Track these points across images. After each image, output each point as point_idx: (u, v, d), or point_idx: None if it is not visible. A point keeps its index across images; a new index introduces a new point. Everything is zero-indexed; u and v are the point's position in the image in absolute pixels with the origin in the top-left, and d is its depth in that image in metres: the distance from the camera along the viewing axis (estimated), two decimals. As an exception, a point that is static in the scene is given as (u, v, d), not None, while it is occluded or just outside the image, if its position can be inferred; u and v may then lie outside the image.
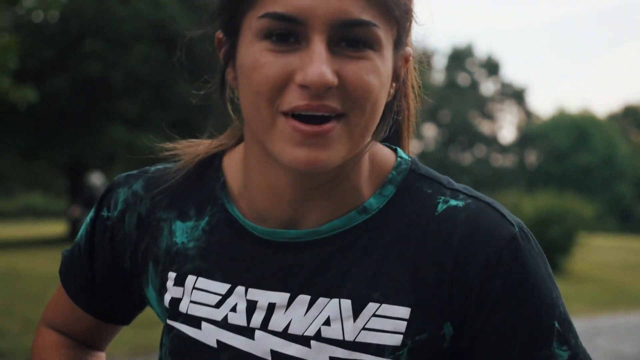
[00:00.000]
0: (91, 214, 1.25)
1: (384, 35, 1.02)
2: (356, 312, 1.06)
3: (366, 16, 0.99)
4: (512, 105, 61.30)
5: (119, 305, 1.28)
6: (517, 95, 61.34)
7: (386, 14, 1.02)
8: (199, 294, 1.13)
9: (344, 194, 1.11)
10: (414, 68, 1.23)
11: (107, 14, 23.94)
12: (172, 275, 1.16)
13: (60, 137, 25.29)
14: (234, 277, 1.12)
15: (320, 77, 0.96)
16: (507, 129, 58.36)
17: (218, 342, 1.10)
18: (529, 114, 63.60)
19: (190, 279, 1.14)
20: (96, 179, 9.47)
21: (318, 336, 1.06)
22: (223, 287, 1.12)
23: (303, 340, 1.07)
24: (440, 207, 1.10)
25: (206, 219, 1.16)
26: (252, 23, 1.02)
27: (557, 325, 1.06)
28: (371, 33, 1.00)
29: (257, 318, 1.09)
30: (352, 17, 0.98)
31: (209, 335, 1.11)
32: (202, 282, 1.13)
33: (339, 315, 1.06)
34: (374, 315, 1.06)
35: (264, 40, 1.00)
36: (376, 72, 1.01)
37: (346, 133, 1.01)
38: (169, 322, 1.16)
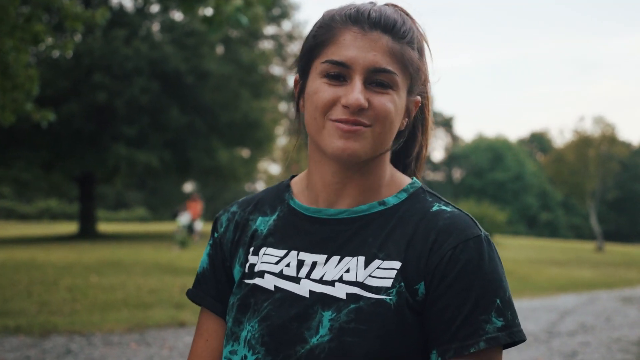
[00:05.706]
0: (210, 240, 1.43)
1: (401, 81, 1.25)
2: (367, 265, 1.24)
3: (390, 67, 1.23)
4: (441, 131, 61.82)
5: (227, 298, 1.38)
6: (445, 123, 61.91)
7: (403, 68, 1.25)
8: (266, 257, 1.32)
9: (367, 190, 1.30)
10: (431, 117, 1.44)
11: (112, 52, 23.73)
12: (252, 249, 1.35)
13: (73, 153, 24.98)
14: (290, 244, 1.31)
15: (356, 101, 1.20)
16: (437, 151, 59.10)
17: (275, 286, 1.28)
18: (455, 138, 64.21)
19: (263, 249, 1.33)
20: None
21: (340, 279, 1.24)
22: (282, 252, 1.31)
23: (330, 283, 1.25)
24: (435, 208, 1.28)
25: (277, 213, 1.36)
26: (317, 67, 1.26)
27: (498, 302, 1.19)
28: (392, 78, 1.23)
29: (303, 271, 1.27)
30: (380, 66, 1.22)
31: (269, 282, 1.29)
32: (269, 250, 1.32)
33: (356, 266, 1.25)
34: (378, 267, 1.23)
35: (323, 78, 1.24)
36: (393, 103, 1.24)
37: (370, 137, 1.23)
38: (245, 280, 1.32)
